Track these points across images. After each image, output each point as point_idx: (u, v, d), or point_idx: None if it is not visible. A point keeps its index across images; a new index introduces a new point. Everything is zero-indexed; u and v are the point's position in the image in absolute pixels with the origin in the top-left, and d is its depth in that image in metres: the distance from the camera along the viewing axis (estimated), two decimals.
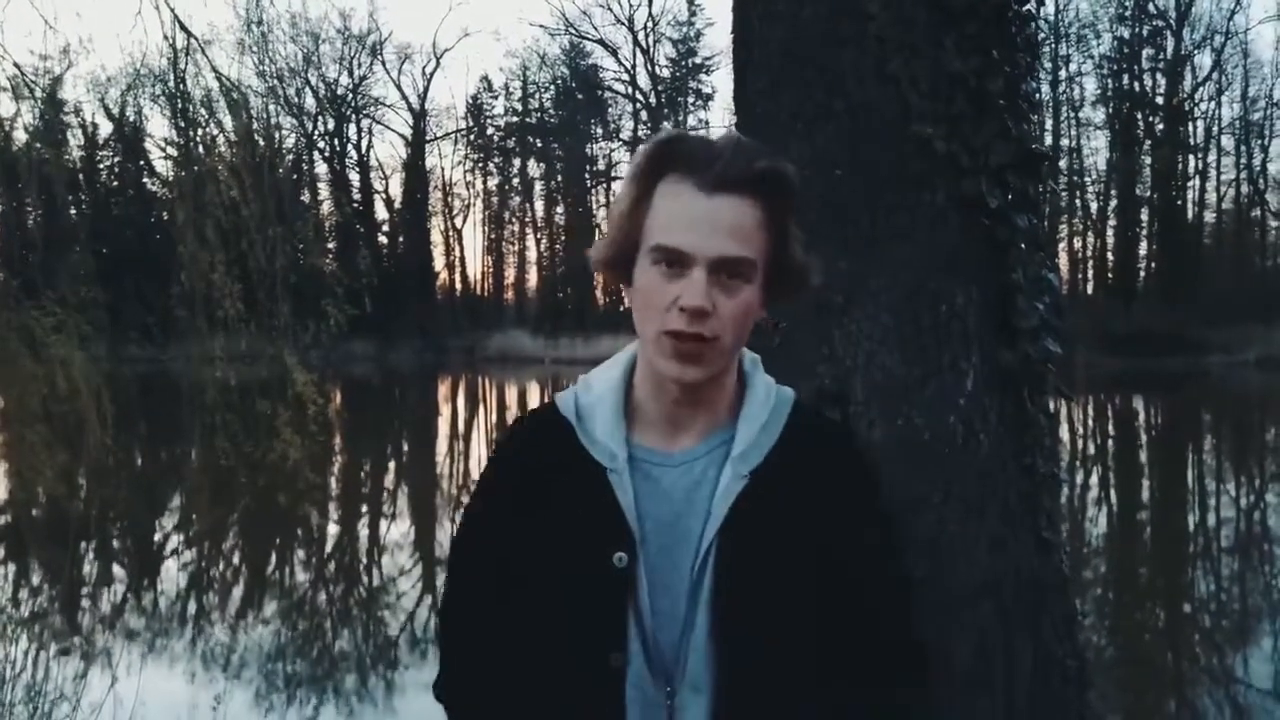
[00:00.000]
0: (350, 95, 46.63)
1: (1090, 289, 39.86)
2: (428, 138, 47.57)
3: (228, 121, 7.63)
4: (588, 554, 1.15)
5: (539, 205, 49.00)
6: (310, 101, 45.88)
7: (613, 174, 44.81)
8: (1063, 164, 37.62)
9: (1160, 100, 37.88)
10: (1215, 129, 38.76)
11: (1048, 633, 2.30)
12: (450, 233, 48.86)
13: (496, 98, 49.13)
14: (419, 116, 46.96)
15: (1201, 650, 6.21)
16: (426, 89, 49.55)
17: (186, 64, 7.03)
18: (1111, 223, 39.91)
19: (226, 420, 6.72)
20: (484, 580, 1.24)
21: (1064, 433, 15.56)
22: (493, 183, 49.74)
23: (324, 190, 46.77)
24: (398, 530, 10.08)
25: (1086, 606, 6.49)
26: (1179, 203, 38.18)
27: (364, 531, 10.49)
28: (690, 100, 45.15)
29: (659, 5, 56.67)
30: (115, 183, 44.18)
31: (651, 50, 44.71)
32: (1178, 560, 8.49)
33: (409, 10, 75.63)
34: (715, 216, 1.08)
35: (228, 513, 10.57)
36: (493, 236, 49.33)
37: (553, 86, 48.26)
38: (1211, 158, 39.15)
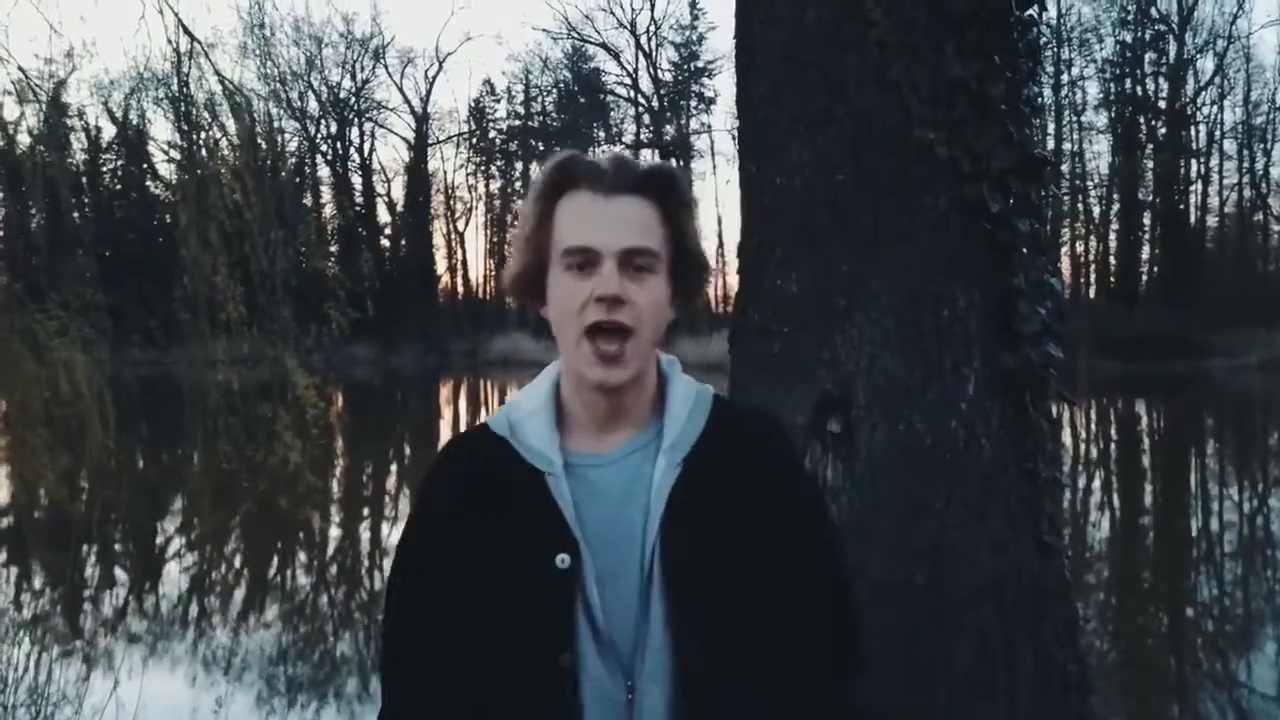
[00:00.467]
0: (353, 99, 46.73)
1: (1092, 293, 39.85)
2: (430, 141, 47.66)
3: (231, 125, 7.64)
4: (531, 559, 1.17)
5: None
6: (313, 105, 46.01)
7: None
8: (1065, 168, 37.59)
9: (1162, 104, 37.87)
10: (1218, 133, 38.80)
11: (1049, 637, 2.30)
12: (452, 236, 48.96)
13: (499, 101, 49.23)
14: (421, 120, 47.05)
15: (1204, 654, 6.20)
16: (429, 93, 49.56)
17: (190, 68, 7.04)
18: (1114, 227, 39.89)
19: (228, 423, 6.72)
20: (427, 606, 1.24)
21: (1065, 437, 15.54)
22: (495, 186, 49.77)
23: (326, 194, 46.87)
24: (399, 533, 10.07)
25: (1088, 611, 6.48)
26: (1181, 207, 38.16)
27: (365, 535, 10.49)
28: (692, 104, 45.20)
29: (661, 9, 56.72)
30: (118, 186, 44.24)
31: (654, 54, 44.77)
32: (1180, 564, 8.47)
33: (411, 14, 75.75)
34: (616, 214, 1.17)
35: (229, 516, 10.58)
36: (495, 240, 49.34)
37: (555, 90, 48.33)
38: (1214, 162, 39.18)
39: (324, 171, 47.11)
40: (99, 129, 43.34)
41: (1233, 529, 9.95)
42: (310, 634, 6.74)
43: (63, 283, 7.07)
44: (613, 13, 51.47)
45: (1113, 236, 39.89)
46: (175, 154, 32.30)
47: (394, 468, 15.98)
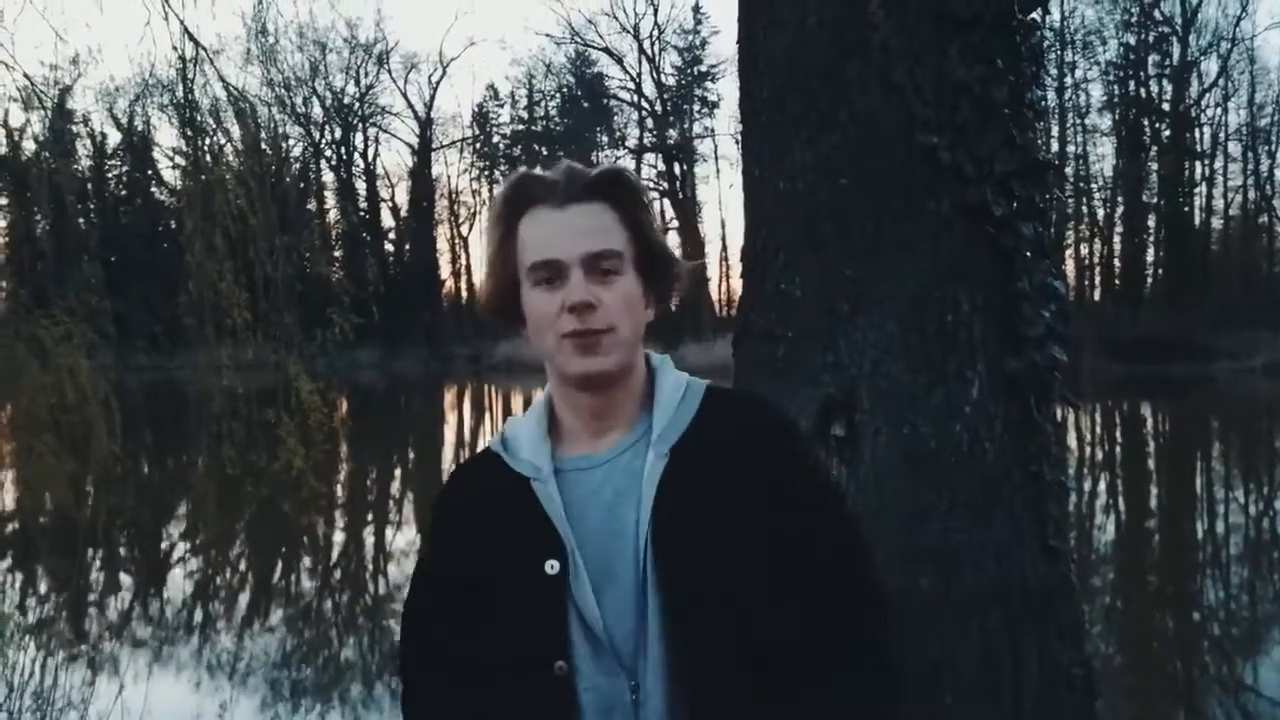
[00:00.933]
0: (357, 104, 46.81)
1: (1097, 295, 39.71)
2: (434, 146, 47.71)
3: (235, 131, 7.67)
4: (521, 567, 1.18)
5: None
6: (317, 110, 46.09)
7: None
8: (1069, 170, 37.50)
9: (1166, 106, 37.79)
10: (1222, 135, 38.69)
11: (1055, 641, 2.29)
12: (456, 241, 48.95)
13: (502, 106, 49.26)
14: (425, 125, 47.12)
15: (1210, 658, 6.18)
16: (432, 98, 49.61)
17: (194, 74, 7.07)
18: (1118, 229, 39.81)
19: (233, 428, 6.74)
20: (433, 624, 1.27)
21: (1070, 440, 15.49)
22: (498, 191, 49.82)
23: (330, 199, 46.95)
24: (403, 538, 10.08)
25: (1094, 614, 6.46)
26: (1186, 209, 38.06)
27: (370, 539, 10.49)
28: (696, 108, 45.24)
29: (664, 13, 56.81)
30: (123, 192, 44.36)
31: (657, 58, 44.81)
32: (1186, 567, 8.45)
33: (415, 20, 75.90)
34: (573, 222, 1.19)
35: (234, 521, 10.59)
36: None
37: (558, 95, 48.37)
38: (1218, 164, 39.06)
39: (328, 177, 47.25)
40: (104, 135, 43.54)
41: (1238, 532, 9.92)
42: (314, 639, 6.74)
43: (68, 289, 7.09)
44: (616, 17, 51.49)
45: (1117, 239, 39.83)
46: (180, 160, 32.36)
47: (398, 473, 15.99)
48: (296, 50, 41.82)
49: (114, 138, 43.84)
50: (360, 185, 47.29)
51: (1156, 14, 37.24)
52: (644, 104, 45.60)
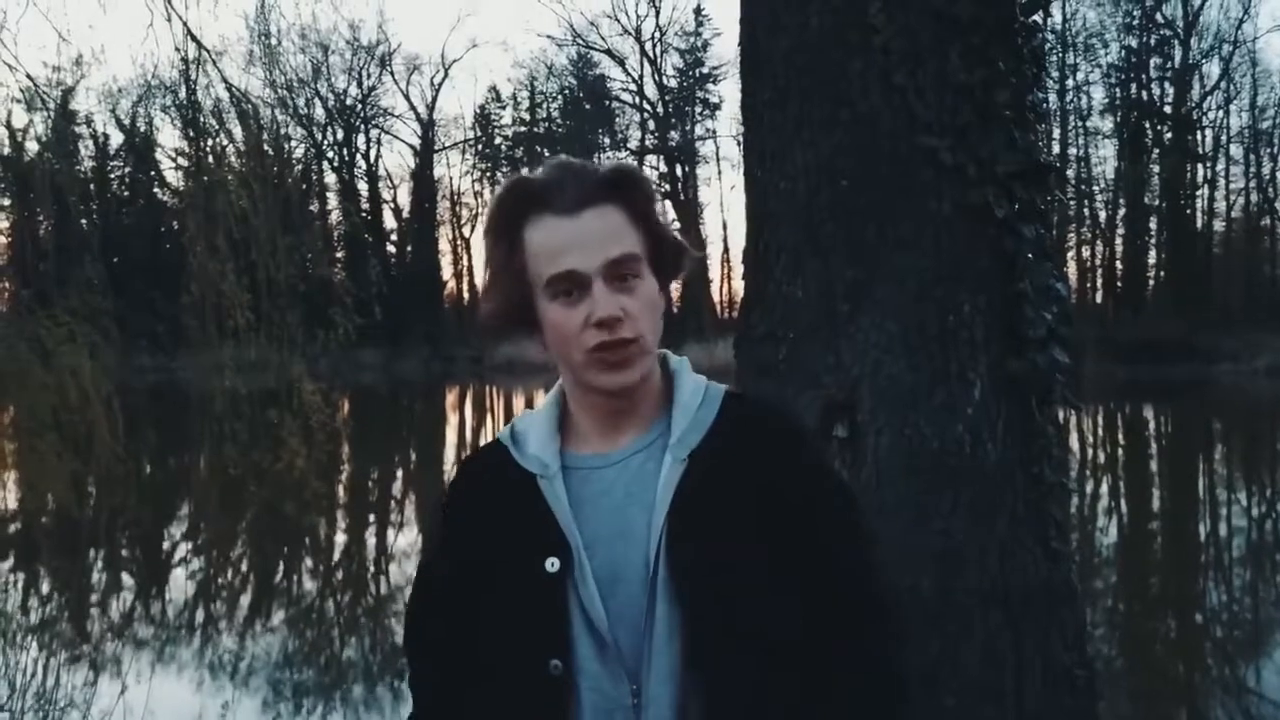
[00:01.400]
0: (359, 106, 46.87)
1: (1098, 298, 39.67)
2: (436, 148, 47.74)
3: (238, 132, 7.69)
4: (522, 564, 1.16)
5: None
6: (319, 112, 46.13)
7: None
8: (1070, 173, 37.48)
9: (1168, 109, 37.78)
10: (1224, 137, 38.66)
11: (1057, 642, 2.29)
12: (458, 242, 48.97)
13: (504, 108, 49.28)
14: (427, 126, 47.16)
15: (1212, 660, 6.17)
16: (435, 99, 49.66)
17: (197, 75, 7.10)
18: (1120, 231, 39.78)
19: (235, 429, 6.75)
20: (436, 619, 1.27)
21: (1072, 442, 15.48)
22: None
23: (332, 200, 46.99)
24: (405, 539, 10.08)
25: (1095, 616, 6.45)
26: (1188, 211, 38.03)
27: (371, 540, 10.50)
28: (697, 110, 45.25)
29: (666, 15, 56.88)
30: (126, 193, 44.42)
31: (659, 60, 44.83)
32: (1188, 570, 8.44)
33: (417, 22, 75.99)
34: (588, 230, 1.14)
35: (236, 521, 10.60)
36: None
37: (560, 96, 48.39)
38: (1220, 166, 39.03)
39: (330, 178, 47.30)
40: (107, 136, 43.60)
41: (1241, 534, 9.91)
42: (316, 639, 6.74)
43: (70, 289, 7.10)
44: (618, 19, 51.76)
45: (1119, 241, 39.79)
46: (183, 161, 32.41)
47: (399, 473, 15.99)
48: (299, 52, 41.87)
49: (117, 139, 43.95)
50: (362, 186, 47.35)
51: (1158, 17, 37.24)
52: (646, 106, 45.64)
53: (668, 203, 43.33)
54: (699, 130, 45.37)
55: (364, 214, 45.30)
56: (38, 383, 6.55)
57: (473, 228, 48.80)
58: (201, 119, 8.20)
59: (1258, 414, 21.83)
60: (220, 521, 10.82)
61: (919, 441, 2.24)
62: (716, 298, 43.69)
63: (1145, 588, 7.96)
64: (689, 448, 1.17)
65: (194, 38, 6.93)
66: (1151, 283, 38.95)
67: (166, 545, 10.21)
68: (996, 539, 2.26)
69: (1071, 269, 38.19)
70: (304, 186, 42.06)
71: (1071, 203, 37.99)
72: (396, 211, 48.43)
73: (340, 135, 46.90)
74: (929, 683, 2.16)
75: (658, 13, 46.28)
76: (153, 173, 43.48)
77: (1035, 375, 2.31)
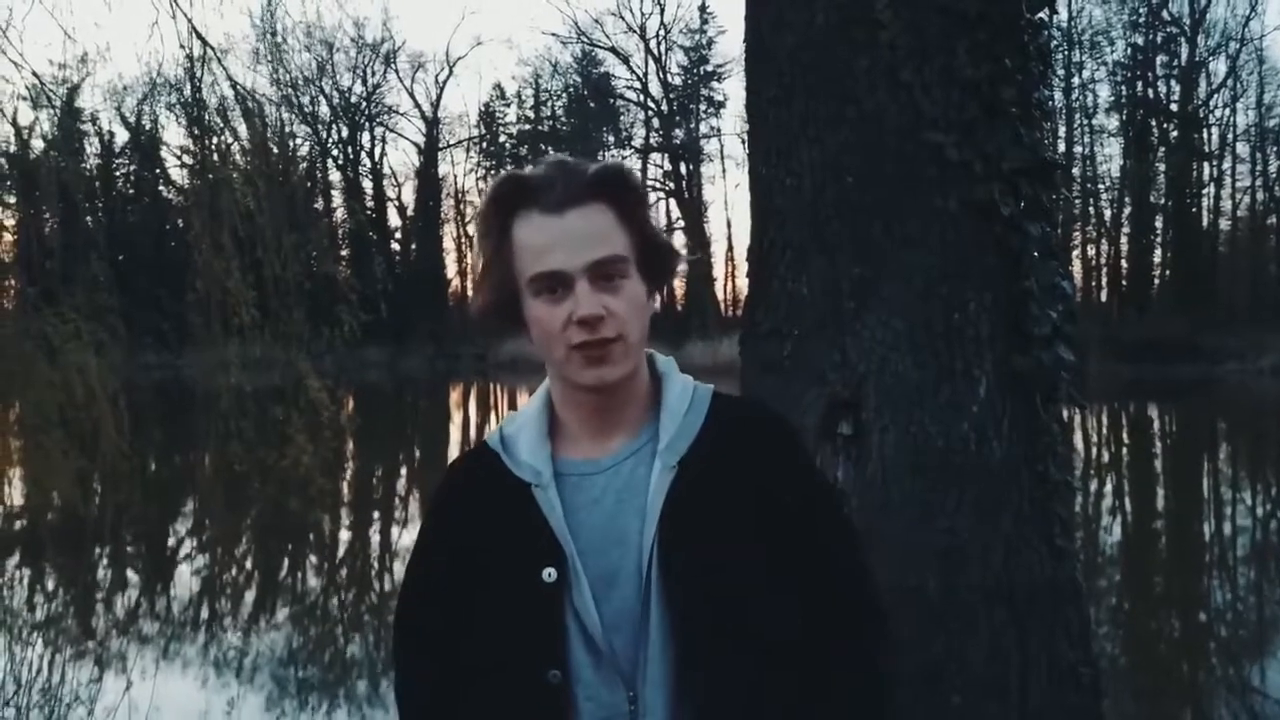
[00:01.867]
0: (364, 103, 46.89)
1: (1104, 296, 39.58)
2: (440, 145, 47.77)
3: (242, 130, 7.70)
4: (518, 574, 1.16)
5: None
6: (324, 110, 46.18)
7: None
8: (1076, 171, 37.40)
9: (1174, 107, 37.67)
10: (1230, 135, 38.52)
11: (1061, 640, 2.29)
12: (462, 240, 48.99)
13: (509, 105, 49.29)
14: (432, 124, 47.19)
15: (1217, 660, 6.16)
16: (439, 97, 49.87)
17: (202, 73, 7.11)
18: (1125, 230, 39.68)
19: (240, 426, 6.76)
20: (427, 626, 1.26)
21: (1076, 440, 15.45)
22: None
23: (337, 198, 47.03)
24: (410, 536, 10.07)
25: (1100, 615, 6.44)
26: (1193, 210, 37.93)
27: (376, 537, 10.52)
28: (702, 108, 45.20)
29: (671, 13, 56.77)
30: (131, 190, 44.50)
31: (663, 58, 44.79)
32: (1193, 568, 8.42)
33: (422, 19, 76.07)
34: (574, 229, 1.13)
35: (241, 518, 10.62)
36: None
37: (565, 94, 48.37)
38: (1226, 164, 38.89)
39: (335, 176, 47.33)
40: (112, 134, 43.67)
41: (1245, 533, 9.89)
42: (322, 636, 6.76)
43: (76, 287, 7.11)
44: (622, 17, 51.63)
45: (1124, 240, 39.70)
46: (188, 159, 32.51)
47: (404, 471, 16.02)
48: (304, 50, 41.91)
49: (122, 136, 44.03)
50: (367, 184, 47.42)
51: (1165, 14, 37.14)
52: (650, 104, 45.61)
53: (672, 200, 43.37)
54: (704, 128, 45.36)
55: (369, 212, 45.36)
56: (44, 380, 6.57)
57: (475, 227, 48.80)
58: (206, 117, 8.22)
59: (1263, 413, 21.78)
60: (225, 518, 10.85)
61: (924, 439, 2.24)
62: (721, 295, 43.68)
63: (1150, 586, 7.95)
64: (678, 454, 1.17)
65: (199, 35, 6.95)
66: (1157, 281, 38.86)
67: (172, 542, 10.24)
68: (1001, 537, 2.26)
69: (1076, 267, 38.12)
70: (309, 184, 42.10)
71: (1077, 201, 37.91)
72: (401, 209, 48.48)
73: (345, 133, 46.97)
74: (934, 680, 2.16)
75: (662, 10, 46.27)
76: (158, 170, 43.58)
77: (1040, 373, 2.30)
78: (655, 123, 45.74)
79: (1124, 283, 39.24)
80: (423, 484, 13.77)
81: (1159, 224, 38.71)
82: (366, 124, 47.23)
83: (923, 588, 2.18)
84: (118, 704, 5.06)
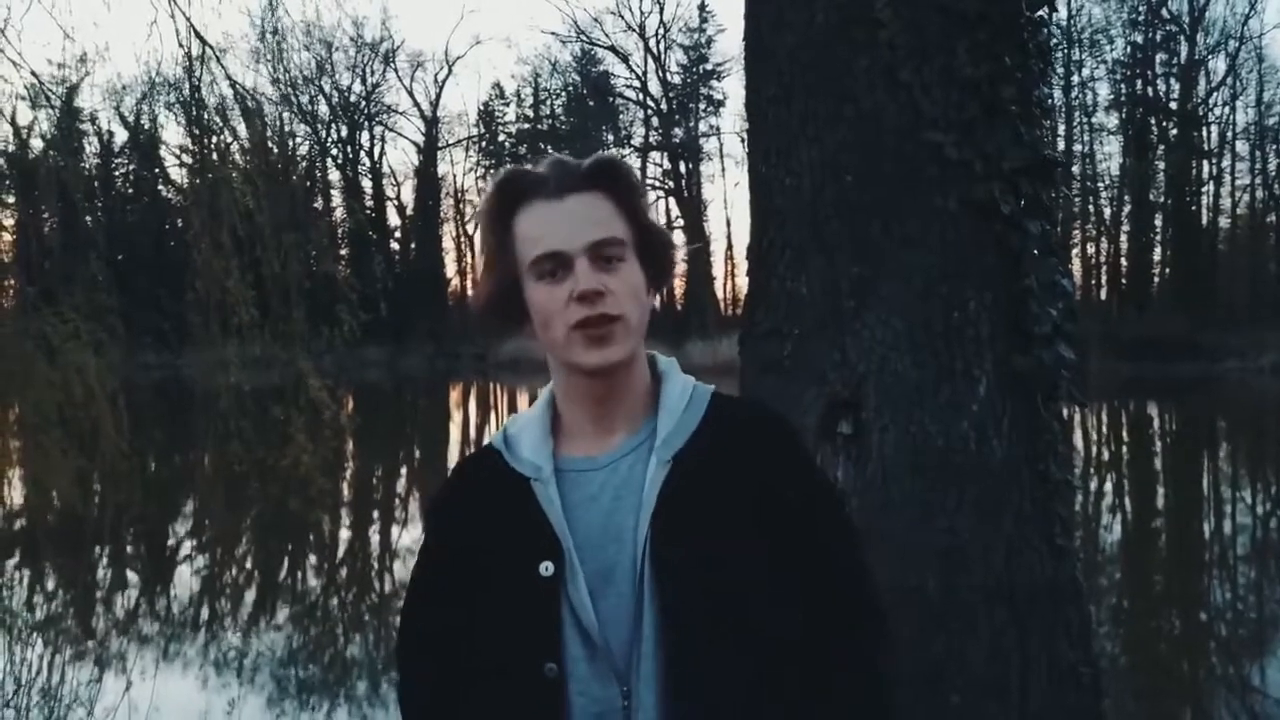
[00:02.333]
0: (363, 102, 46.89)
1: (1103, 294, 39.59)
2: (440, 144, 47.77)
3: (242, 129, 7.70)
4: (516, 568, 1.17)
5: None
6: (323, 109, 46.20)
7: None
8: (1076, 169, 37.40)
9: (1174, 105, 37.68)
10: (1230, 134, 38.53)
11: (1062, 640, 2.29)
12: (462, 239, 49.01)
13: (508, 105, 49.29)
14: (431, 123, 47.18)
15: (1217, 658, 6.16)
16: (438, 96, 49.84)
17: (202, 72, 7.11)
18: (1125, 228, 39.69)
19: (240, 426, 6.76)
20: (430, 622, 1.27)
21: (1076, 439, 15.46)
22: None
23: (337, 197, 47.04)
24: (410, 536, 10.10)
25: (1100, 614, 6.44)
26: (1193, 208, 37.94)
27: (376, 537, 10.51)
28: (701, 106, 45.20)
29: (670, 12, 56.80)
30: (130, 190, 44.50)
31: (663, 57, 44.79)
32: (1193, 568, 8.42)
33: (421, 18, 76.09)
34: (573, 212, 1.16)
35: (241, 518, 10.62)
36: None
37: (564, 93, 48.38)
38: (1226, 163, 38.89)
39: (334, 175, 47.35)
40: (111, 133, 43.66)
41: (1245, 532, 9.89)
42: (322, 636, 6.76)
43: (75, 286, 7.11)
44: (621, 16, 51.63)
45: (1124, 238, 39.72)
46: (187, 158, 32.52)
47: (404, 470, 16.02)
48: (303, 49, 41.99)
49: (121, 136, 44.03)
50: (366, 183, 47.42)
51: (1164, 12, 37.15)
52: (649, 102, 45.61)
53: (672, 199, 43.37)
54: (703, 127, 45.36)
55: (368, 211, 45.35)
56: (43, 380, 6.56)
57: (476, 225, 48.83)
58: (206, 116, 8.21)
59: (1263, 411, 21.79)
60: (225, 518, 10.85)
61: (924, 438, 2.24)
62: (720, 294, 43.70)
63: (1150, 585, 7.95)
64: (674, 449, 1.18)
65: (198, 34, 6.95)
66: (1156, 280, 38.88)
67: (171, 542, 10.23)
68: (1002, 536, 2.26)
69: (1076, 265, 38.12)
70: (308, 183, 42.14)
71: (1076, 199, 37.92)
72: (400, 208, 48.48)
73: (344, 132, 46.97)
74: (934, 680, 2.15)
75: (662, 9, 46.37)
76: (157, 170, 43.57)
77: (1041, 372, 2.30)
78: (654, 121, 45.75)
79: (1124, 281, 39.26)
80: (422, 484, 13.77)
81: (1158, 222, 38.74)
82: (366, 123, 47.25)
83: (923, 587, 2.18)
84: (117, 704, 5.06)
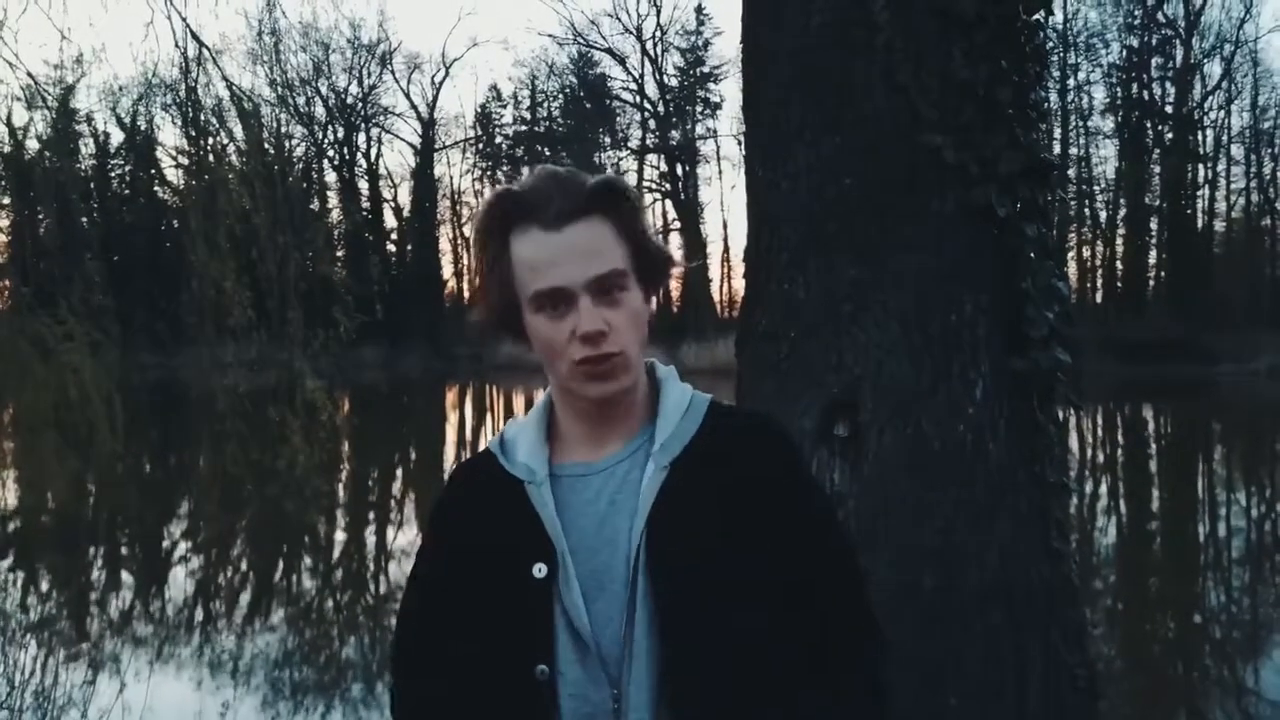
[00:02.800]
0: (359, 104, 46.87)
1: (1099, 298, 39.68)
2: (436, 146, 47.75)
3: (238, 130, 7.69)
4: (510, 569, 1.18)
5: None
6: (320, 110, 46.14)
7: None
8: (1072, 173, 37.47)
9: (1169, 109, 37.78)
10: (1225, 138, 38.63)
11: (1058, 641, 2.29)
12: (458, 241, 48.98)
13: (505, 107, 49.30)
14: (428, 125, 47.17)
15: (1212, 661, 6.17)
16: (435, 98, 49.72)
17: (198, 73, 7.09)
18: (1121, 231, 39.77)
19: (235, 427, 6.75)
20: (424, 623, 1.28)
21: (1072, 441, 15.48)
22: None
23: (333, 199, 47.01)
24: (405, 537, 10.08)
25: (1096, 616, 6.45)
26: (1188, 211, 38.02)
27: (371, 538, 10.50)
28: (698, 109, 45.22)
29: (667, 14, 57.03)
30: (127, 191, 44.41)
31: (659, 59, 44.81)
32: (1188, 570, 8.44)
33: (418, 20, 76.04)
34: (573, 245, 1.14)
35: (236, 519, 10.60)
36: None
37: (561, 95, 48.38)
38: (1221, 166, 39.00)
39: (331, 177, 47.34)
40: (107, 134, 43.59)
41: (1241, 535, 9.92)
42: (316, 638, 6.74)
43: (71, 287, 7.10)
44: (619, 18, 51.70)
45: (1120, 241, 39.78)
46: (183, 159, 32.36)
47: (399, 472, 15.99)
48: (300, 50, 41.92)
49: (117, 137, 43.94)
50: (363, 185, 47.37)
51: (1160, 16, 37.23)
52: (646, 105, 45.61)
53: (668, 202, 43.39)
54: (700, 129, 45.39)
55: (364, 213, 45.35)
56: (39, 380, 6.55)
57: (472, 240, 48.79)
58: (202, 117, 8.19)
59: (1258, 414, 21.83)
60: (220, 519, 10.82)
61: (921, 440, 2.24)
62: (717, 297, 43.70)
63: (1145, 587, 7.96)
64: (671, 455, 1.19)
65: (194, 35, 6.94)
66: (1152, 283, 38.96)
67: (166, 543, 10.21)
68: (998, 538, 2.26)
69: (1072, 269, 38.21)
70: (305, 185, 42.08)
71: (1072, 202, 38.00)
72: (397, 210, 48.48)
73: (341, 134, 46.94)
74: (931, 682, 2.15)
75: (659, 11, 46.32)
76: (153, 171, 43.46)
77: (1037, 374, 2.31)
78: (651, 124, 45.76)
79: (1119, 284, 39.34)
80: (418, 485, 13.76)
81: (1154, 225, 38.82)
82: (362, 125, 47.22)
83: (919, 589, 2.18)
84: (111, 706, 5.05)
